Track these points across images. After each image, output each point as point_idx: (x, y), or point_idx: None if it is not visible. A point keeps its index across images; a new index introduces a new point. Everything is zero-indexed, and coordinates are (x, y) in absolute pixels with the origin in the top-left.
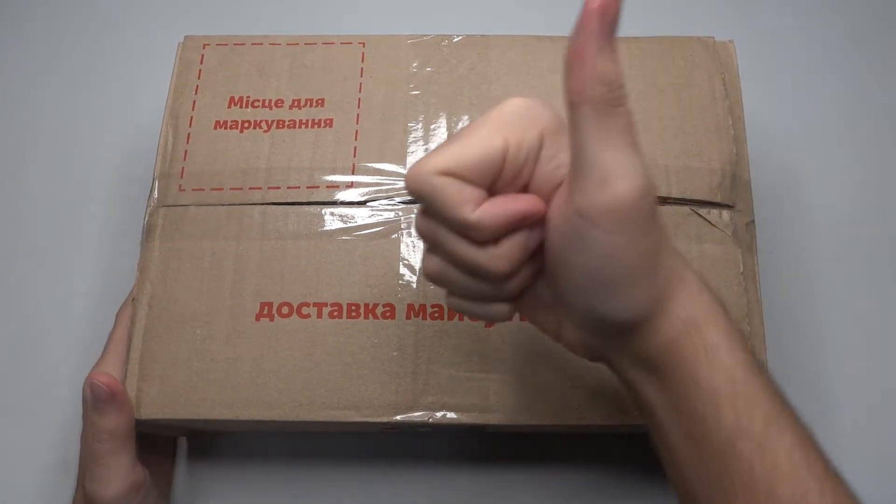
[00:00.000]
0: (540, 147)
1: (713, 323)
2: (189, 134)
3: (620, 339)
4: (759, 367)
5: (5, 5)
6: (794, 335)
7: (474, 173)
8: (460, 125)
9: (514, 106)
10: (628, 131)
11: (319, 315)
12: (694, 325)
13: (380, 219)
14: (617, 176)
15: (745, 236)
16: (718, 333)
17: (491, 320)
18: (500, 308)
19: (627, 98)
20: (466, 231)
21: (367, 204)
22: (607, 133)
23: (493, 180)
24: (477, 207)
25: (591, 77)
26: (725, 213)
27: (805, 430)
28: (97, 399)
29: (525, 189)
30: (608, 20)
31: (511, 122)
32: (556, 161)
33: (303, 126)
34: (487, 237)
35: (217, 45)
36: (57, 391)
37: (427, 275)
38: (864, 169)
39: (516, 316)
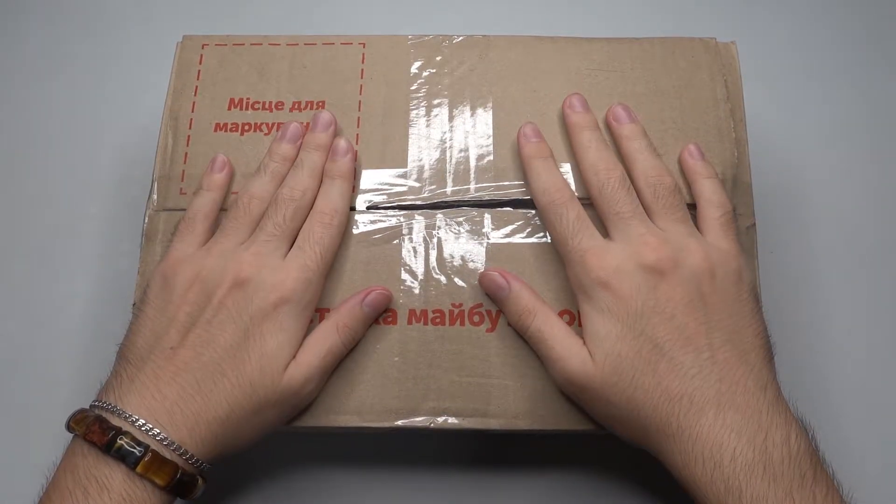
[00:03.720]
0: None
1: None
2: (189, 136)
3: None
4: None
5: (6, 5)
6: (794, 336)
7: None
8: (461, 127)
9: None
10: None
11: (321, 320)
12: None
13: (381, 224)
14: (554, 361)
15: (746, 239)
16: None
17: None
18: None
19: (533, 316)
20: None
21: (369, 209)
22: (536, 337)
23: None
24: None
25: (509, 314)
26: None
27: None
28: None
29: None
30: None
31: None
32: None
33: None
34: None
35: (216, 45)
36: (57, 391)
37: None
38: (865, 171)
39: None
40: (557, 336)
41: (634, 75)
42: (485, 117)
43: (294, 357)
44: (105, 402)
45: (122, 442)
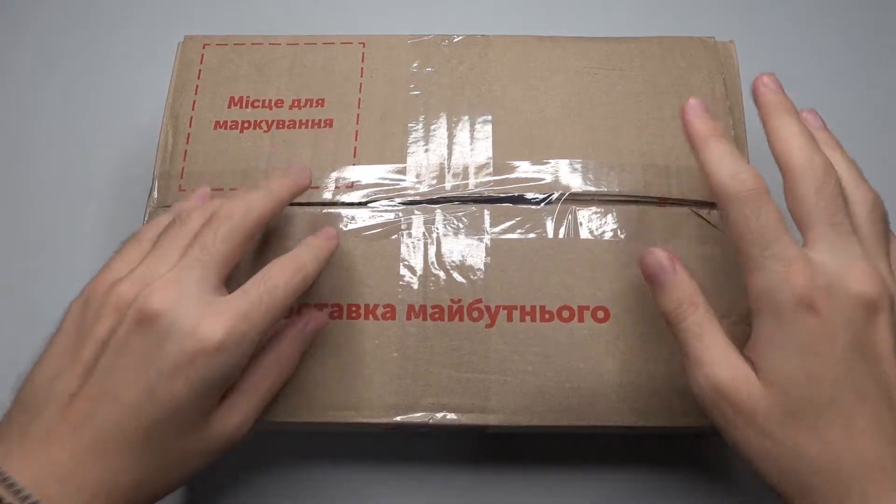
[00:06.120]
0: None
1: None
2: (189, 134)
3: None
4: None
5: (5, 5)
6: None
7: None
8: (460, 126)
9: None
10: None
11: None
12: None
13: (380, 220)
14: (703, 363)
15: None
16: None
17: None
18: None
19: (696, 308)
20: None
21: (368, 205)
22: (692, 332)
23: None
24: None
25: (667, 300)
26: None
27: None
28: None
29: None
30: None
31: None
32: None
33: (303, 126)
34: None
35: (217, 45)
36: None
37: None
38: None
39: (515, 316)
40: (717, 338)
41: (633, 74)
42: (484, 116)
43: (226, 398)
44: None
45: None
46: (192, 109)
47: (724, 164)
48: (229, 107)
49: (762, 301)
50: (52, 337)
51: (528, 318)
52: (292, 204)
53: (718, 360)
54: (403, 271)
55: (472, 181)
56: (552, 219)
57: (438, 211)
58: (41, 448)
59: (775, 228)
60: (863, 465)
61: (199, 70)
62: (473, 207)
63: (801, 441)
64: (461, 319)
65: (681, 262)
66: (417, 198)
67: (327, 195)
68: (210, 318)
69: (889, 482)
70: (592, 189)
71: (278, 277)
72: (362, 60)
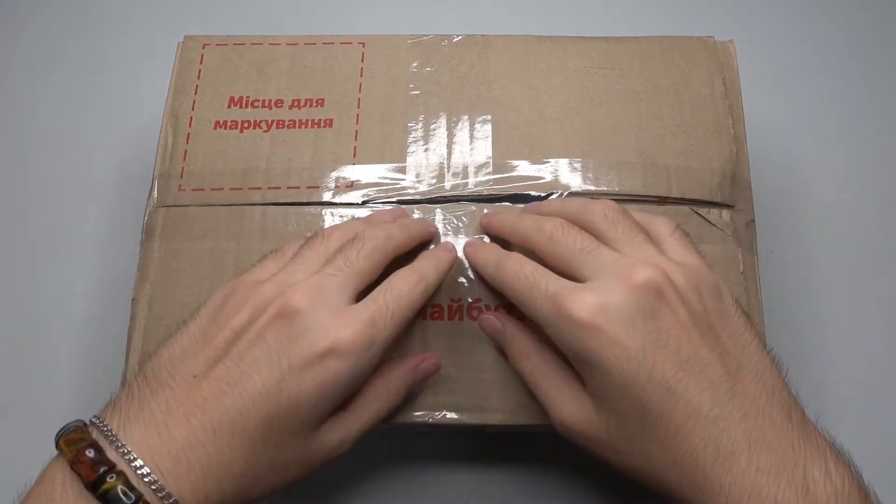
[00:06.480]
0: None
1: None
2: (189, 134)
3: None
4: None
5: (6, 5)
6: (794, 335)
7: None
8: (460, 125)
9: None
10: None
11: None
12: None
13: None
14: (549, 408)
15: (746, 236)
16: None
17: None
18: None
19: (527, 359)
20: None
21: (367, 204)
22: (530, 381)
23: None
24: None
25: (509, 358)
26: (725, 213)
27: None
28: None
29: None
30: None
31: None
32: None
33: (302, 126)
34: None
35: (217, 45)
36: (57, 391)
37: None
38: (864, 168)
39: (515, 316)
40: (553, 380)
41: (633, 74)
42: (484, 115)
43: (335, 414)
44: (105, 426)
45: (112, 484)
46: (192, 109)
47: (476, 258)
48: (229, 107)
49: (564, 349)
50: (188, 321)
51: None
52: (292, 204)
53: (558, 403)
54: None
55: (471, 181)
56: None
57: (438, 210)
58: (160, 422)
59: (533, 277)
60: (695, 451)
61: (199, 70)
62: (473, 207)
63: (640, 449)
64: (461, 319)
65: (511, 319)
66: (417, 197)
67: (327, 195)
68: (343, 322)
69: (723, 458)
70: (592, 188)
71: (403, 286)
72: (362, 60)
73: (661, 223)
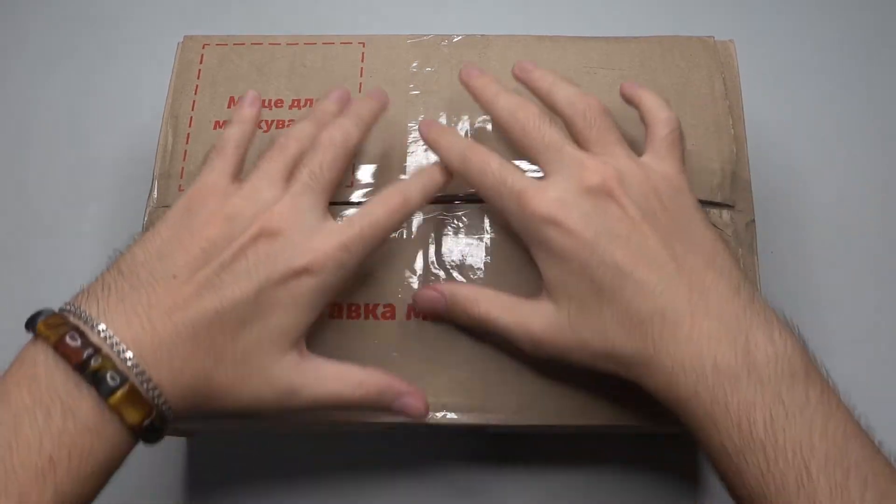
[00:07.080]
0: None
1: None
2: (189, 134)
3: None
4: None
5: (5, 5)
6: None
7: None
8: (460, 125)
9: None
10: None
11: (331, 316)
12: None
13: None
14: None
15: (746, 236)
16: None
17: None
18: None
19: (476, 303)
20: None
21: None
22: (486, 320)
23: None
24: None
25: (459, 318)
26: (725, 213)
27: None
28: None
29: None
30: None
31: None
32: None
33: None
34: None
35: (217, 45)
36: None
37: None
38: (864, 168)
39: None
40: (508, 306)
41: (633, 74)
42: (484, 115)
43: (302, 362)
44: (84, 313)
45: (100, 365)
46: (192, 109)
47: (446, 155)
48: (229, 107)
49: (524, 239)
50: (153, 227)
51: None
52: None
53: (522, 322)
54: (403, 271)
55: None
56: None
57: (438, 210)
58: (143, 315)
59: (500, 173)
60: (643, 322)
61: (199, 70)
62: (473, 207)
63: (601, 329)
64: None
65: (445, 283)
66: None
67: None
68: (318, 242)
69: (668, 325)
70: None
71: (381, 212)
72: (362, 60)
73: (660, 123)
